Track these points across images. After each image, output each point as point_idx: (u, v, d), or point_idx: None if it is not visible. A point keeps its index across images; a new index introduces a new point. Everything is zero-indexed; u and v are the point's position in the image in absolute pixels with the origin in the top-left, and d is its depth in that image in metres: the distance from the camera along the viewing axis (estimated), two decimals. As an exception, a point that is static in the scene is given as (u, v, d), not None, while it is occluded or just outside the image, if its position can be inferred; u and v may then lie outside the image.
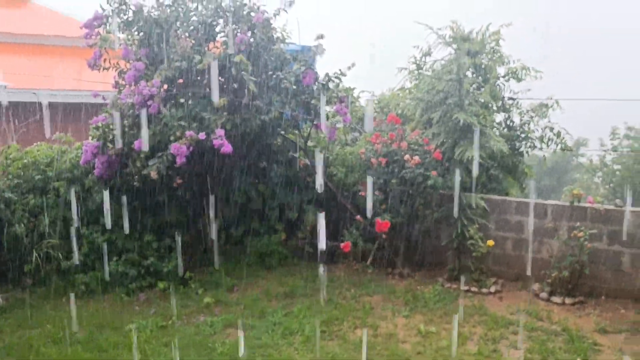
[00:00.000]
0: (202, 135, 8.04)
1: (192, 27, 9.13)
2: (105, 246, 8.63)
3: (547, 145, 11.45)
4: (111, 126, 8.70)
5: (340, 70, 9.23)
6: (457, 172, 9.04)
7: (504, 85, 10.81)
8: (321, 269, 9.36)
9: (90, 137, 9.19)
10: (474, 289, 8.85)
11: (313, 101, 9.24)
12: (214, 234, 9.09)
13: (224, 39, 9.10)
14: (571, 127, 11.53)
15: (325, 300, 8.15)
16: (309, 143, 10.22)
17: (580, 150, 27.09)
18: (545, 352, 6.50)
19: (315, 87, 9.29)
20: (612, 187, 22.14)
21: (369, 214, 8.83)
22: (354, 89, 10.78)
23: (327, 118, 9.64)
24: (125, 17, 9.19)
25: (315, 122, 9.56)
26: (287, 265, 9.81)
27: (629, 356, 6.50)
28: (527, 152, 11.36)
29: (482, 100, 9.81)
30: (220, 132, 8.12)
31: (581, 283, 8.49)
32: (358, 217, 9.50)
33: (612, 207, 8.66)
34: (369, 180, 8.50)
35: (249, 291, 8.64)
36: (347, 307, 7.94)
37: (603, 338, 7.08)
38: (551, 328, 7.35)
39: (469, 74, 10.02)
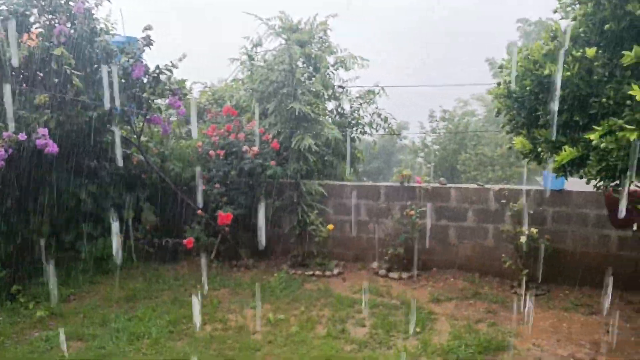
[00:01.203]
0: (22, 136, 7.32)
1: (1, 17, 8.26)
2: None
3: (376, 130, 12.09)
4: None
5: (171, 62, 8.90)
6: (295, 160, 9.20)
7: (334, 74, 11.19)
8: (164, 268, 9.03)
9: None
10: (318, 272, 9.10)
11: (144, 94, 8.83)
12: (42, 242, 8.37)
13: (40, 30, 8.35)
14: (396, 112, 12.28)
15: (171, 299, 7.89)
16: (142, 138, 9.78)
17: (403, 133, 28.94)
18: (388, 326, 6.86)
19: (145, 80, 8.87)
20: (434, 166, 23.97)
21: (208, 207, 8.68)
22: (185, 80, 10.49)
23: (160, 111, 9.29)
24: None
25: (147, 117, 9.15)
26: (127, 267, 9.32)
27: (460, 320, 7.09)
28: (358, 137, 11.89)
29: (314, 90, 10.05)
30: (43, 131, 7.47)
31: (415, 258, 9.10)
32: (199, 211, 9.31)
33: (437, 185, 9.36)
34: (203, 173, 8.36)
35: (87, 299, 8.09)
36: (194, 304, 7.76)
37: (437, 307, 7.66)
38: (391, 303, 7.78)
39: (300, 63, 10.21)
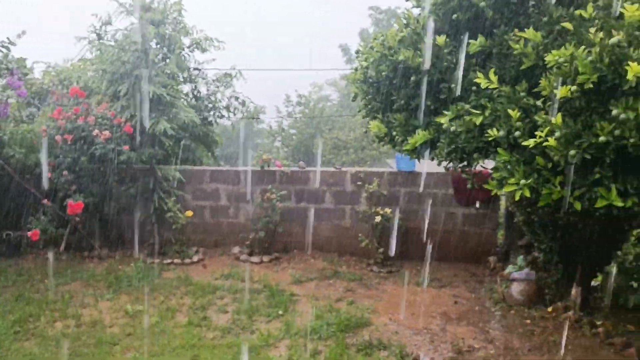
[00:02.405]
0: None
1: None
2: None
3: (234, 114, 11.95)
4: None
5: (8, 38, 8.12)
6: (150, 145, 8.82)
7: (190, 55, 10.87)
8: (6, 264, 8.29)
9: None
10: (177, 260, 8.85)
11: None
12: None
13: None
14: (253, 95, 12.23)
15: (15, 297, 7.26)
16: (-26, 122, 8.84)
17: (261, 117, 28.95)
18: (251, 311, 6.84)
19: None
20: (291, 150, 24.25)
21: (56, 197, 8.06)
22: (25, 59, 9.63)
23: (-4, 92, 8.46)
24: None
25: (-20, 98, 8.29)
26: (-40, 265, 8.45)
27: (321, 300, 7.26)
28: (215, 121, 11.68)
29: (169, 72, 9.69)
30: None
31: (276, 241, 9.16)
32: (45, 200, 8.63)
33: (296, 168, 9.46)
34: (49, 160, 7.74)
35: None
36: (42, 300, 7.19)
37: (299, 288, 7.76)
38: (254, 287, 7.76)
39: (153, 44, 9.78)
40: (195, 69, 11.22)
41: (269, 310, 6.90)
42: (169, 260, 8.83)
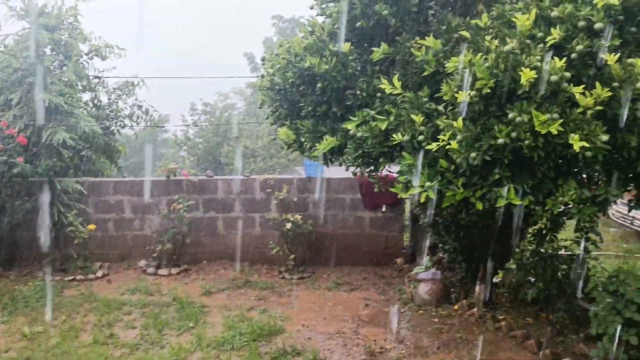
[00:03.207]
0: None
1: None
2: None
3: (137, 123, 11.59)
4: None
5: None
6: (47, 156, 8.39)
7: (89, 63, 10.45)
8: None
9: None
10: (80, 276, 8.44)
11: None
12: None
13: None
14: (157, 104, 11.92)
15: None
16: None
17: (165, 125, 28.27)
18: (160, 325, 6.63)
19: None
20: (197, 159, 23.81)
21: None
22: None
23: None
24: None
25: None
26: None
27: (233, 310, 7.16)
28: (118, 131, 11.27)
29: (67, 79, 9.27)
30: None
31: (184, 252, 8.95)
32: None
33: (204, 177, 9.30)
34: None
35: None
36: None
37: (209, 299, 7.62)
38: (162, 300, 7.54)
39: (48, 50, 9.34)
40: (95, 77, 10.79)
41: (179, 323, 6.72)
42: (71, 277, 8.41)
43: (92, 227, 8.76)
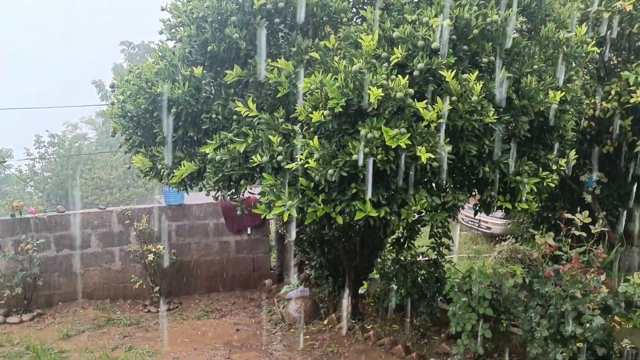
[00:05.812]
0: None
1: None
2: None
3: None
4: None
5: None
6: None
7: None
8: None
9: None
10: None
11: None
12: None
13: None
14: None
15: None
16: None
17: (7, 161, 26.20)
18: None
19: None
20: (47, 194, 22.26)
21: None
22: None
23: None
24: None
25: None
26: None
27: (95, 352, 6.73)
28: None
29: None
30: None
31: (37, 295, 8.28)
32: None
33: (54, 213, 8.71)
34: None
35: None
36: None
37: (68, 343, 7.12)
38: (14, 351, 6.92)
39: None
40: None
41: (33, 374, 6.22)
42: None
43: None
